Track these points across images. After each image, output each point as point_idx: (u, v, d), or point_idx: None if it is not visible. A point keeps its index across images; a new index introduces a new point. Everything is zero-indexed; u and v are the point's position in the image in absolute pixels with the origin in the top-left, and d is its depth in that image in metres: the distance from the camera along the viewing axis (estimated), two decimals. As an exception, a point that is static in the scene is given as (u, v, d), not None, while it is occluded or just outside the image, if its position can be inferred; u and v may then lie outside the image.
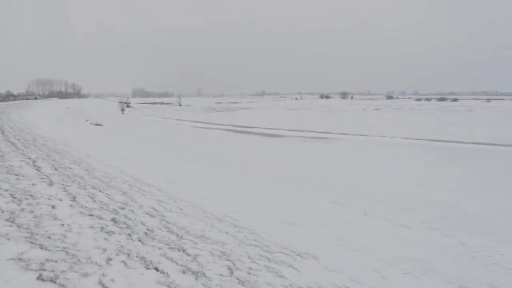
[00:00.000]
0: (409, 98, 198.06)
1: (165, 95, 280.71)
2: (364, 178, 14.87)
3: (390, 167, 17.96)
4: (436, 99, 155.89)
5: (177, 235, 6.41)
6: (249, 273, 5.11)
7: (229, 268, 5.21)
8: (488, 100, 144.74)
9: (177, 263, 5.18)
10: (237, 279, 4.89)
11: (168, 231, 6.57)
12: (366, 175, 15.70)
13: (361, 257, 6.34)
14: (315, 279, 5.10)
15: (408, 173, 16.55)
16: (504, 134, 33.53)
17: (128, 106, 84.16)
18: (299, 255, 6.05)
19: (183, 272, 4.94)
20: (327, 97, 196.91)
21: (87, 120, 41.28)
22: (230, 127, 41.96)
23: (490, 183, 14.73)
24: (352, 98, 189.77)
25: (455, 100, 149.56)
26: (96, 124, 36.66)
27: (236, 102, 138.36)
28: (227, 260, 5.52)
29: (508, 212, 10.60)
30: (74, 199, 8.00)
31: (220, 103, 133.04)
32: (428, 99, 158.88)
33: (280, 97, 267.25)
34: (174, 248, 5.77)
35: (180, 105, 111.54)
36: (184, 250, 5.71)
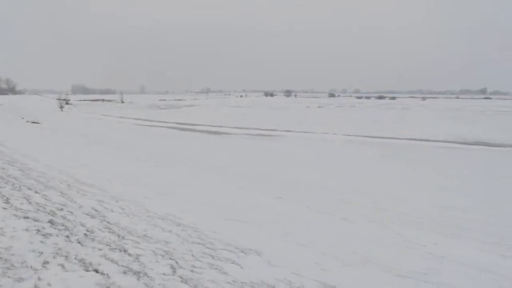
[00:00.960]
0: (350, 96, 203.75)
1: (107, 92, 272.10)
2: (308, 174, 15.18)
3: (333, 163, 18.46)
4: (375, 97, 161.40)
5: (119, 236, 6.26)
6: (192, 271, 5.09)
7: (172, 267, 5.16)
8: (424, 99, 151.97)
9: (118, 264, 5.07)
10: (180, 277, 4.86)
11: (109, 232, 6.41)
12: (310, 171, 16.04)
13: (303, 251, 6.48)
14: (258, 274, 5.16)
15: (350, 168, 17.08)
16: (438, 131, 35.40)
17: (67, 103, 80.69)
18: (242, 251, 6.09)
19: (124, 272, 4.83)
20: (272, 94, 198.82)
21: (22, 118, 39.29)
22: (175, 125, 41.38)
23: (426, 176, 15.53)
24: (296, 96, 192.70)
25: (393, 98, 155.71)
26: (33, 122, 34.99)
27: (180, 100, 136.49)
28: (170, 259, 5.46)
29: (443, 203, 11.21)
30: (7, 201, 7.59)
31: (164, 100, 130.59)
32: (368, 97, 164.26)
33: (225, 94, 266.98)
34: (115, 248, 5.63)
35: (122, 102, 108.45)
36: (125, 251, 5.59)
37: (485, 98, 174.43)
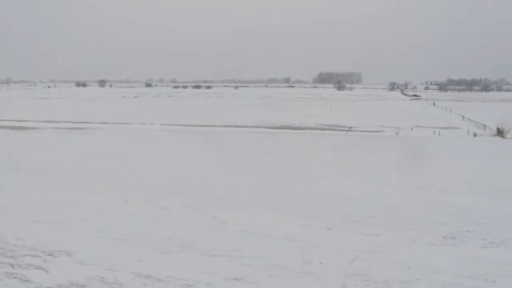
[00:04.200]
0: (168, 85, 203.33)
1: None
2: (127, 166, 14.72)
3: (152, 153, 18.25)
4: (192, 86, 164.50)
5: None
6: (-16, 285, 4.44)
7: (-44, 285, 4.42)
8: (237, 87, 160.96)
9: None
10: (-32, 295, 4.19)
11: None
12: (128, 163, 15.57)
13: (120, 245, 6.25)
14: (67, 276, 4.77)
15: (170, 157, 17.12)
16: (251, 117, 37.96)
17: None
18: (50, 254, 5.57)
19: None
20: (84, 85, 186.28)
21: None
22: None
23: (242, 161, 16.50)
24: (111, 86, 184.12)
25: (209, 87, 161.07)
26: None
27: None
28: (-44, 277, 4.67)
29: (256, 184, 12.05)
30: None
31: None
32: (185, 87, 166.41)
33: (30, 85, 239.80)
34: None
35: None
36: None
37: (289, 86, 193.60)
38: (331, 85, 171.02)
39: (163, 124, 32.85)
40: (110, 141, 23.29)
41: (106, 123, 34.23)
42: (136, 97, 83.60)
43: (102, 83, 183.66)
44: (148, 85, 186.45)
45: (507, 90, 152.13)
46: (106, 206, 9.12)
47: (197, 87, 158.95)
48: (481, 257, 6.12)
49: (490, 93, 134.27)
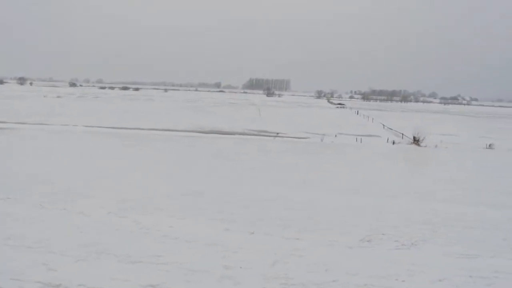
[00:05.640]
0: (93, 86, 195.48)
1: None
2: (44, 169, 13.90)
3: (72, 156, 17.41)
4: (120, 88, 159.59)
5: None
6: None
7: None
8: (166, 90, 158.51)
9: None
10: None
11: None
12: (44, 165, 14.72)
13: (30, 253, 5.89)
14: (-35, 288, 4.40)
15: (91, 160, 16.40)
16: (180, 121, 37.48)
17: None
18: None
19: None
20: (2, 82, 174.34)
21: None
22: None
23: (166, 165, 16.19)
24: (31, 84, 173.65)
25: (137, 89, 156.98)
26: None
27: None
28: None
29: (180, 189, 11.84)
30: None
31: None
32: (112, 88, 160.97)
33: None
34: None
35: None
36: None
37: (220, 91, 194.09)
38: (260, 91, 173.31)
39: (86, 126, 31.50)
40: (26, 142, 21.95)
41: (24, 123, 32.20)
42: (59, 97, 79.39)
43: (21, 80, 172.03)
44: (73, 84, 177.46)
45: (423, 102, 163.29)
46: (18, 212, 8.54)
47: (125, 88, 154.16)
48: (393, 259, 6.47)
49: (408, 103, 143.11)
